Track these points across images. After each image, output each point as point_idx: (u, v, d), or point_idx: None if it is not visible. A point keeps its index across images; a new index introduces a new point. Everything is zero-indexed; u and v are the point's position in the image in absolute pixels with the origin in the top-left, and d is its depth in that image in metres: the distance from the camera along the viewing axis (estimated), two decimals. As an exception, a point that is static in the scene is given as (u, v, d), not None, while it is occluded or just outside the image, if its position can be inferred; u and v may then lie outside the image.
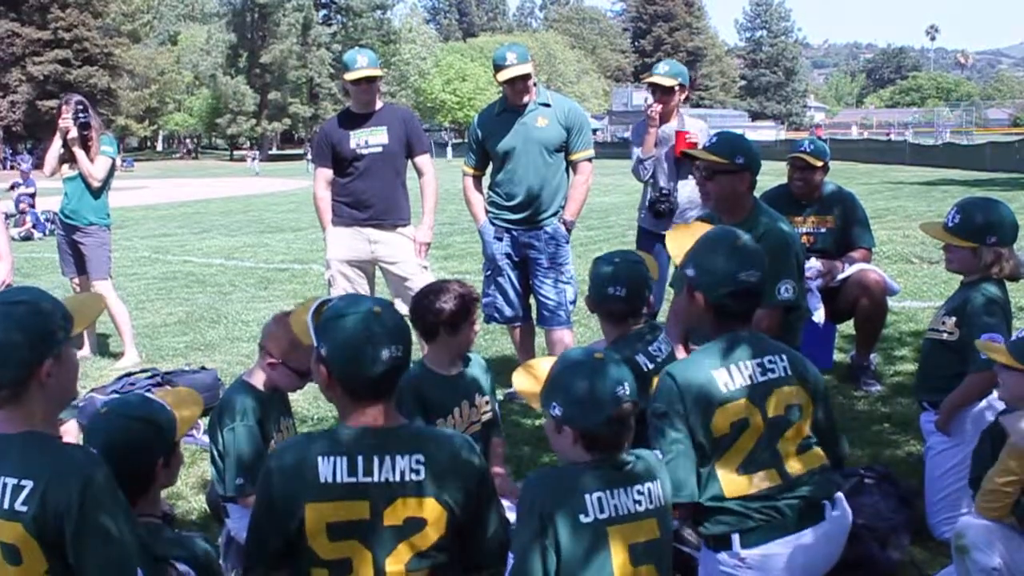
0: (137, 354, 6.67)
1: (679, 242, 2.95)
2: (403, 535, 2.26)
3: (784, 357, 2.75)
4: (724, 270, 2.71)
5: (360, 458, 2.25)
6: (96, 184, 6.52)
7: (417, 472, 2.27)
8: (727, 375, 2.65)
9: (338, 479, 2.23)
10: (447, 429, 2.60)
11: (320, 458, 2.25)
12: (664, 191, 5.48)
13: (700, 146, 5.32)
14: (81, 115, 6.39)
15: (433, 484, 2.28)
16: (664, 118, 5.55)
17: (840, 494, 2.77)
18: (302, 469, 2.25)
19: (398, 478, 2.26)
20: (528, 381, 2.61)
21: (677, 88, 5.47)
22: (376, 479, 2.25)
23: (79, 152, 6.44)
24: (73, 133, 6.40)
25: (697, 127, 5.55)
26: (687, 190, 5.51)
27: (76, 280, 6.78)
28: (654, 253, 5.59)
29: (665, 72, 5.45)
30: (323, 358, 2.29)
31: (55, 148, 6.56)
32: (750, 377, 2.66)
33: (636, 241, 5.83)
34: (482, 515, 2.39)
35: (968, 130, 57.46)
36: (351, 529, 2.25)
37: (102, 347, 7.05)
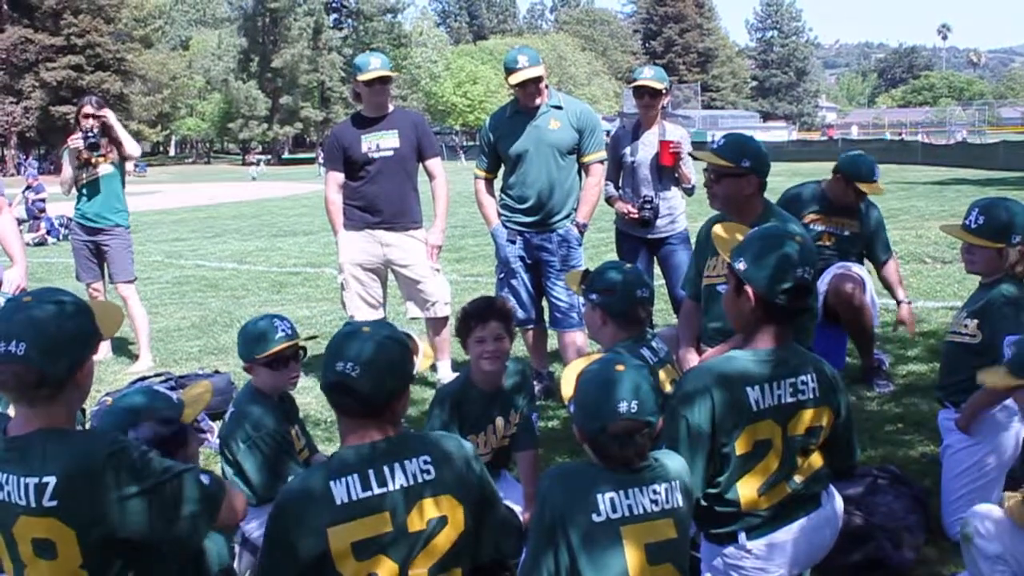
0: (152, 358, 6.71)
1: (729, 236, 2.91)
2: (427, 539, 2.29)
3: (815, 376, 2.69)
4: (780, 265, 2.60)
5: (371, 471, 2.26)
6: (136, 154, 6.78)
7: (428, 472, 2.31)
8: (759, 393, 2.61)
9: (354, 497, 2.24)
10: (444, 434, 2.63)
11: (332, 482, 2.24)
12: (647, 198, 5.50)
13: (684, 154, 5.41)
14: (90, 136, 6.45)
15: (445, 481, 2.32)
16: (648, 123, 5.57)
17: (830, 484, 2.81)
18: (315, 498, 2.24)
19: (412, 481, 2.29)
20: (567, 381, 2.60)
21: (664, 92, 5.49)
22: (391, 488, 2.27)
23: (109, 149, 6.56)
24: (86, 154, 6.48)
25: (678, 135, 5.56)
26: (672, 201, 5.55)
27: (94, 286, 6.78)
28: (637, 258, 5.57)
29: (653, 76, 5.47)
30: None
31: (68, 170, 6.62)
32: (779, 397, 2.63)
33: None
34: (491, 509, 2.44)
35: (981, 129, 57.16)
36: (376, 544, 2.24)
37: (118, 351, 7.09)
